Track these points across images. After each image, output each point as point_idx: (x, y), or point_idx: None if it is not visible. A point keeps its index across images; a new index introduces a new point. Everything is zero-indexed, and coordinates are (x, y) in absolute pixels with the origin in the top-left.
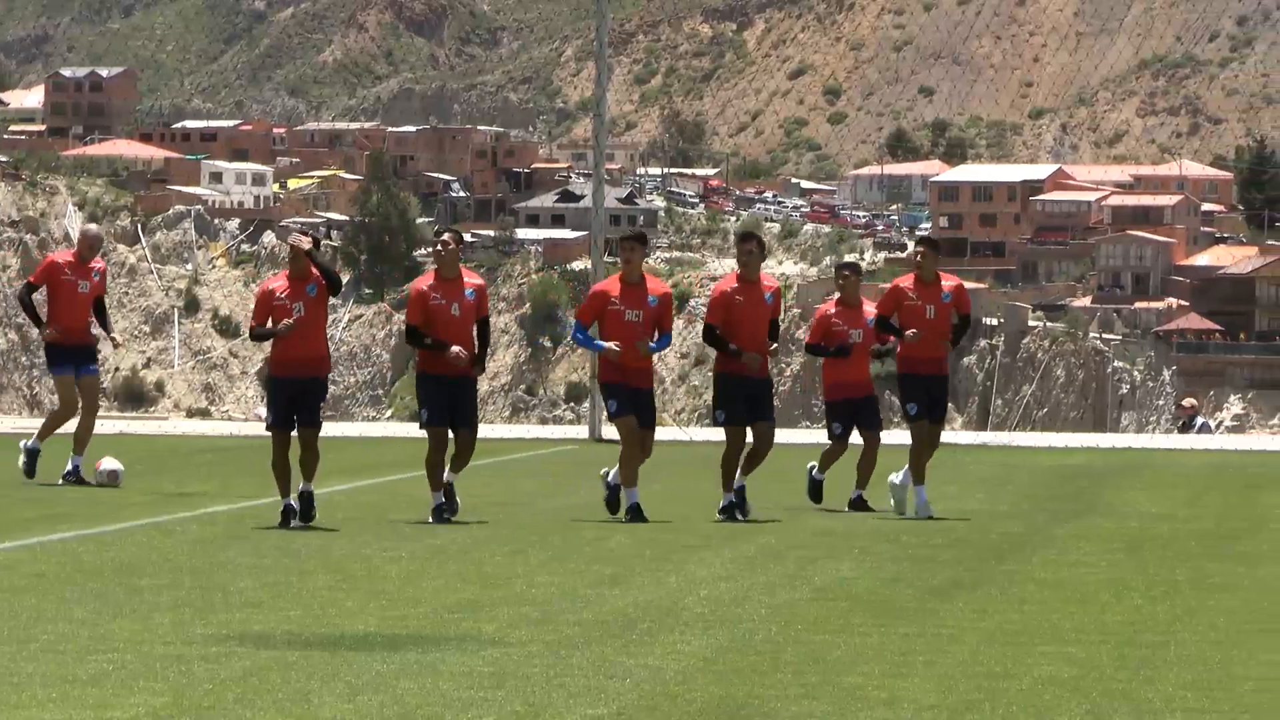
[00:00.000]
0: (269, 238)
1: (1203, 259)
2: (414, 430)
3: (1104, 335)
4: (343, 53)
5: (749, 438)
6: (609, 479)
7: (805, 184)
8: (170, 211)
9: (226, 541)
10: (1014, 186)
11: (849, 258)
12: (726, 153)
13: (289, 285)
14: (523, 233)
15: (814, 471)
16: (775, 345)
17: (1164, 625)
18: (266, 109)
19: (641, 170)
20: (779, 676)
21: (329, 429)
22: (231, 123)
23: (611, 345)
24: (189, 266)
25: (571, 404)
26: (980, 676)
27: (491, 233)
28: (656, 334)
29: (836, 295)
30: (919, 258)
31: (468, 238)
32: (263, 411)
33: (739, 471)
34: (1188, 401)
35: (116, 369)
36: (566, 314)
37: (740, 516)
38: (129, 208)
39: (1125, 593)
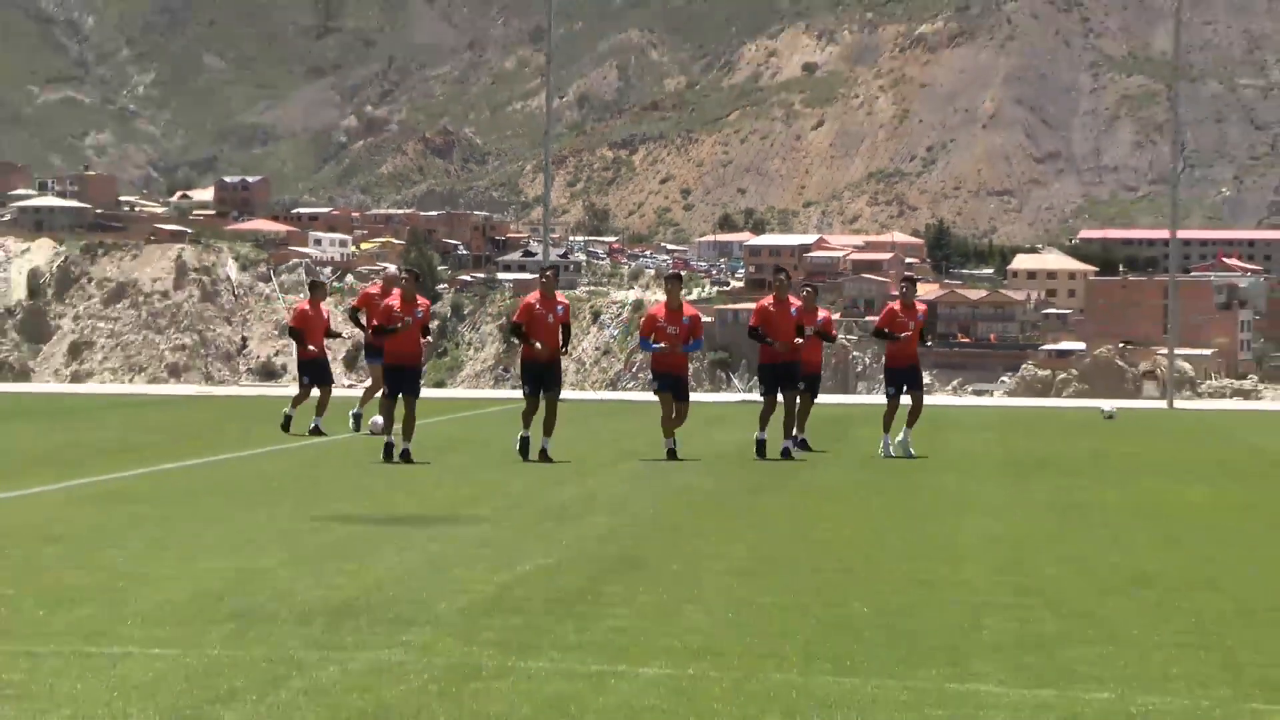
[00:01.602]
0: (349, 278)
1: None
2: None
3: (848, 336)
4: (393, 168)
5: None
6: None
7: (670, 246)
8: (290, 263)
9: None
10: (794, 248)
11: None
12: (623, 228)
13: (401, 303)
14: (501, 276)
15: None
16: (801, 340)
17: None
18: (348, 201)
19: (572, 238)
20: (659, 538)
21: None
22: (326, 209)
23: (660, 346)
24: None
25: None
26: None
27: (482, 276)
28: (690, 339)
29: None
30: (906, 291)
31: (466, 278)
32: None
33: (796, 426)
34: None
35: (257, 357)
36: None
37: (794, 456)
38: (266, 260)
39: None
